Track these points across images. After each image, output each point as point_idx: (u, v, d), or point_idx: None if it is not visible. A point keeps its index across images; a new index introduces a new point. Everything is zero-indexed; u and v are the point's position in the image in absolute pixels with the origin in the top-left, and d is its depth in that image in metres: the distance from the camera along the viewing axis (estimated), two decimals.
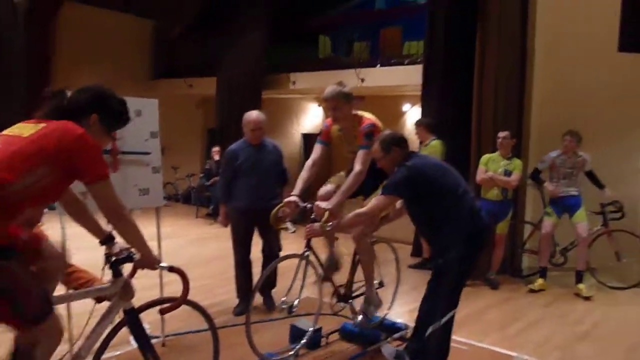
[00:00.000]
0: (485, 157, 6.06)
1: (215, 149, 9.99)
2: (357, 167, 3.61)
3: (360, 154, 3.64)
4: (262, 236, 4.68)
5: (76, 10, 10.81)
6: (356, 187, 3.65)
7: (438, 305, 3.18)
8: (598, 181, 5.90)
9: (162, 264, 2.42)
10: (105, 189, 2.20)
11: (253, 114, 4.56)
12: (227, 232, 8.75)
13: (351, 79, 9.13)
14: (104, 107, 2.32)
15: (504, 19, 6.59)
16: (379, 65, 9.19)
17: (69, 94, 2.31)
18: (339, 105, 3.68)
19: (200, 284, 5.33)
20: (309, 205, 3.64)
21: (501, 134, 5.96)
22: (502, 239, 6.06)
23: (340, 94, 3.67)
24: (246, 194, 4.53)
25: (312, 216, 3.61)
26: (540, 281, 5.97)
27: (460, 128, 7.05)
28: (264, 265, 4.53)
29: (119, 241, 2.60)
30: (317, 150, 3.89)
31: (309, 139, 11.98)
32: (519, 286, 6.22)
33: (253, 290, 3.45)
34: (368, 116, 3.78)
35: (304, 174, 3.80)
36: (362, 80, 8.88)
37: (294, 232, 4.14)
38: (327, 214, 3.46)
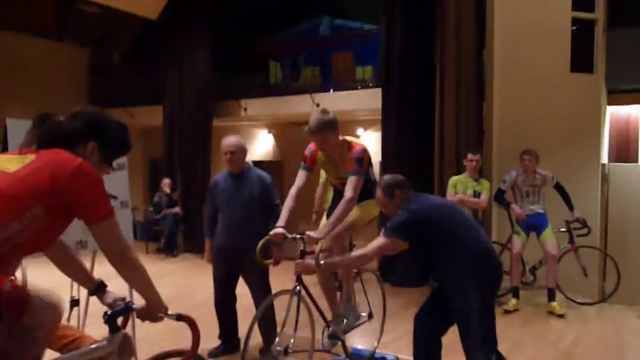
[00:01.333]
0: (453, 180, 6.11)
1: (166, 181, 9.62)
2: (349, 194, 3.51)
3: (352, 180, 3.55)
4: (246, 282, 4.24)
5: (6, 38, 10.22)
6: (347, 215, 3.54)
7: (482, 348, 3.03)
8: (569, 200, 6.03)
9: (169, 313, 2.16)
10: (110, 228, 1.95)
11: (228, 138, 4.27)
12: (182, 268, 8.59)
13: (304, 104, 9.08)
14: (103, 133, 2.05)
15: (462, 45, 6.73)
16: (331, 90, 9.18)
17: (60, 119, 2.04)
18: (326, 137, 3.56)
19: (164, 326, 4.97)
20: (297, 236, 3.47)
21: (473, 157, 6.02)
22: None
23: (327, 124, 3.54)
24: (222, 230, 4.23)
25: (301, 248, 3.46)
26: (513, 301, 6.01)
27: (421, 153, 7.11)
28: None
29: (112, 289, 2.35)
30: (301, 177, 3.75)
31: (259, 166, 11.75)
32: None
33: (247, 335, 3.24)
34: (357, 141, 3.71)
35: (289, 203, 3.65)
36: (317, 105, 8.82)
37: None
38: (320, 244, 3.33)
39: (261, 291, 4.12)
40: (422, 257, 3.25)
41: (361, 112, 9.27)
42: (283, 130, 11.34)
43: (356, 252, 3.33)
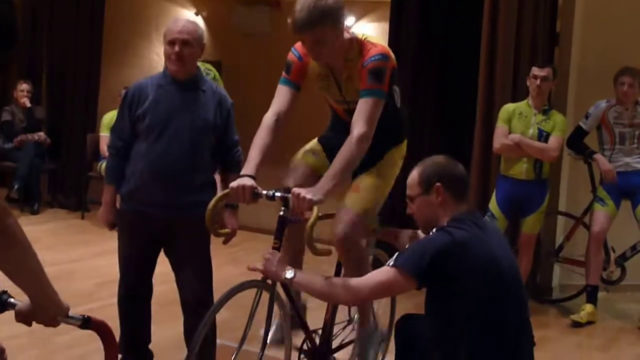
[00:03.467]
0: (508, 109, 6.18)
1: (23, 87, 9.36)
2: (360, 128, 3.49)
3: (365, 104, 3.52)
4: (177, 265, 4.24)
5: None
6: (358, 163, 3.56)
7: None
8: None
9: (71, 315, 2.17)
10: None
11: (179, 20, 4.23)
12: (51, 232, 8.55)
13: None
14: None
15: None
16: None
17: None
18: (325, 35, 3.47)
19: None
20: (278, 194, 3.47)
21: (538, 72, 6.03)
22: (531, 243, 6.21)
23: (325, 13, 3.44)
24: (145, 174, 4.08)
25: (282, 212, 3.47)
26: (588, 308, 6.19)
27: (457, 61, 7.08)
28: (186, 319, 4.17)
29: None
30: (282, 96, 3.73)
31: None
32: (552, 316, 6.46)
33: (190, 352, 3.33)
34: (373, 41, 3.66)
35: (261, 139, 3.62)
36: None
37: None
38: (315, 210, 3.31)
39: (203, 281, 4.14)
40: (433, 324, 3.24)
41: None
42: (220, 10, 11.19)
43: (346, 281, 3.31)
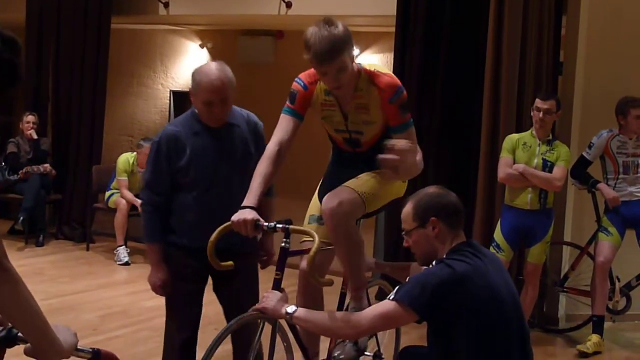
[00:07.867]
0: (511, 139, 6.22)
1: (29, 118, 9.47)
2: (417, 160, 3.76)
3: (406, 137, 3.64)
4: (229, 305, 4.12)
5: None
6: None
7: None
8: None
9: (80, 348, 2.22)
10: None
11: (212, 70, 3.90)
12: (57, 264, 8.58)
13: (265, 2, 9.01)
14: None
15: None
16: None
17: None
18: (345, 62, 3.57)
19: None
20: (279, 226, 3.54)
21: (541, 104, 6.09)
22: (537, 272, 6.25)
23: (344, 43, 3.54)
24: (198, 226, 3.89)
25: (283, 244, 3.54)
26: (595, 338, 6.21)
27: (461, 93, 7.17)
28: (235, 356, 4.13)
29: None
30: (285, 125, 3.79)
31: (181, 101, 11.67)
32: (559, 346, 6.49)
33: None
34: (381, 69, 3.79)
35: (264, 168, 3.67)
36: (289, 4, 8.76)
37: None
38: (316, 242, 3.37)
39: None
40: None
41: (359, 21, 9.24)
42: (227, 42, 11.24)
43: (346, 315, 3.39)
